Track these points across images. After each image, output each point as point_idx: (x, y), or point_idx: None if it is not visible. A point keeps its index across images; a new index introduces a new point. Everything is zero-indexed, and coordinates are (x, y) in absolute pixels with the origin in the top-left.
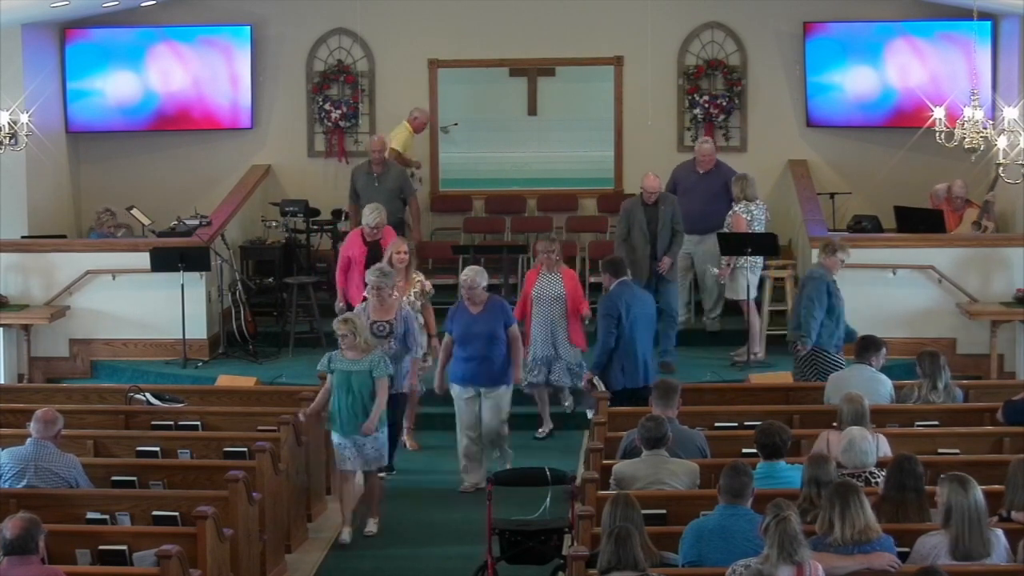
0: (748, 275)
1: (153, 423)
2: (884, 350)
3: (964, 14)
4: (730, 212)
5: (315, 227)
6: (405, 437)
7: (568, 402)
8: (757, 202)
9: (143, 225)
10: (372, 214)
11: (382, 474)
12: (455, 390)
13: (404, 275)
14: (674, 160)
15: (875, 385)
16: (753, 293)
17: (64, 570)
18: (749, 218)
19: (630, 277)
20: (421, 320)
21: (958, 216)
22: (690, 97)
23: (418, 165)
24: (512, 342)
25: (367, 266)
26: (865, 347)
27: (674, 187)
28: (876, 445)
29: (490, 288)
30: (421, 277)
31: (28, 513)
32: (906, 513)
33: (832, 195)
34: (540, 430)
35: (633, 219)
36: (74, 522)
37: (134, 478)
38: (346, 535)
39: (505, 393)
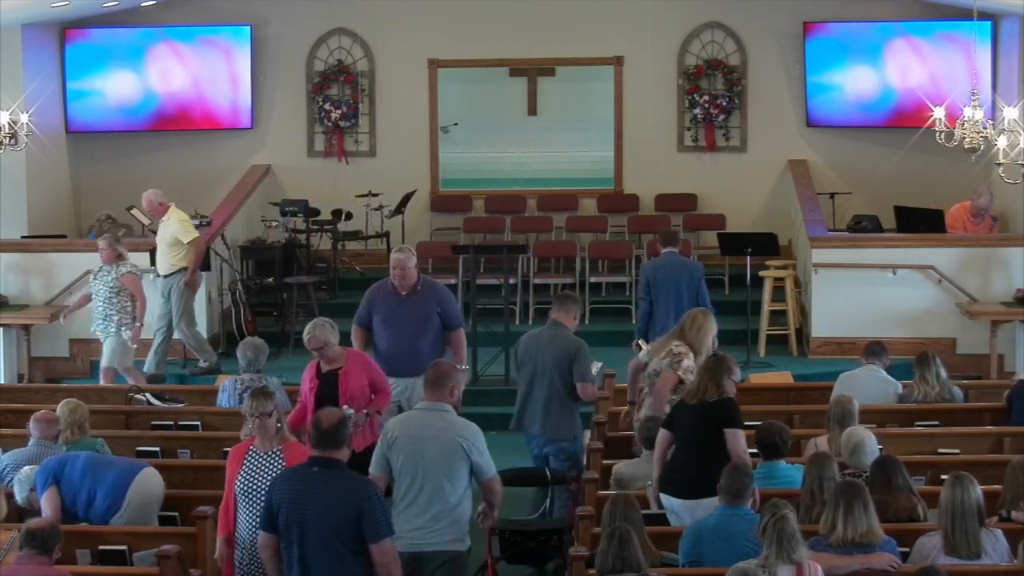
0: None
1: (153, 423)
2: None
3: (964, 14)
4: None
5: (315, 227)
6: None
7: None
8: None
9: (143, 225)
10: (308, 331)
11: None
12: None
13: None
14: (674, 160)
15: (884, 386)
16: None
17: (65, 570)
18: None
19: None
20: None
21: (977, 227)
22: (690, 97)
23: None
24: None
25: (318, 406)
26: (875, 351)
27: (369, 314)
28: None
29: (489, 288)
30: None
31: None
32: (896, 511)
33: (832, 195)
34: None
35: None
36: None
37: None
38: None
39: None
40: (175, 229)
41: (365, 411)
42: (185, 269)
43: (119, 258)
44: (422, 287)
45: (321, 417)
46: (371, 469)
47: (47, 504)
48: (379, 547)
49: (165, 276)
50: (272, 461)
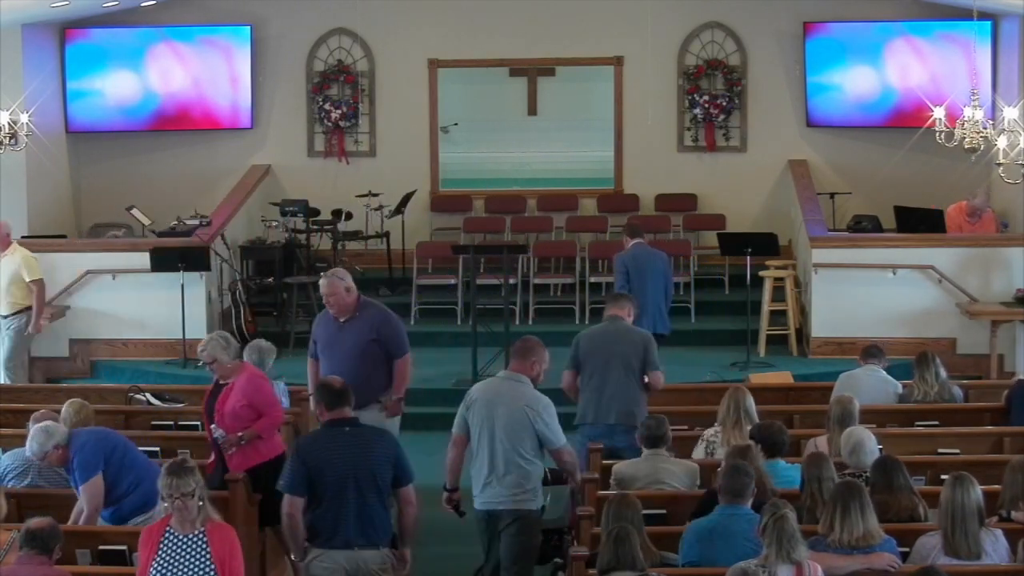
0: None
1: (153, 423)
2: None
3: (964, 14)
4: None
5: (315, 227)
6: None
7: None
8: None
9: (143, 225)
10: (201, 346)
11: None
12: None
13: None
14: (674, 160)
15: (884, 386)
16: None
17: (65, 570)
18: None
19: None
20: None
21: (973, 226)
22: (690, 97)
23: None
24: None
25: (206, 415)
26: (873, 353)
27: (314, 345)
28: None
29: (489, 288)
30: None
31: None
32: (897, 511)
33: (832, 195)
34: None
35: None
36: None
37: None
38: None
39: None
40: (20, 265)
41: (239, 435)
42: (29, 308)
43: None
44: (360, 311)
45: (329, 381)
46: (453, 430)
47: (91, 492)
48: (406, 490)
49: (6, 316)
50: (194, 545)
